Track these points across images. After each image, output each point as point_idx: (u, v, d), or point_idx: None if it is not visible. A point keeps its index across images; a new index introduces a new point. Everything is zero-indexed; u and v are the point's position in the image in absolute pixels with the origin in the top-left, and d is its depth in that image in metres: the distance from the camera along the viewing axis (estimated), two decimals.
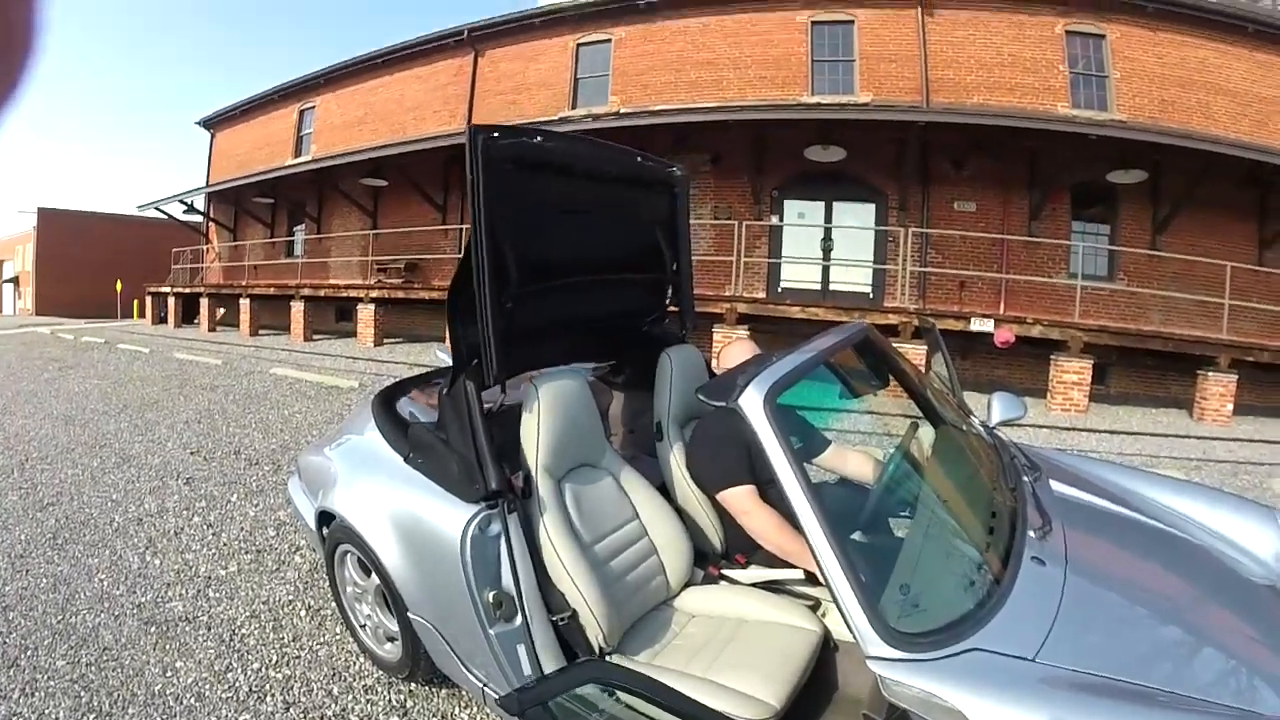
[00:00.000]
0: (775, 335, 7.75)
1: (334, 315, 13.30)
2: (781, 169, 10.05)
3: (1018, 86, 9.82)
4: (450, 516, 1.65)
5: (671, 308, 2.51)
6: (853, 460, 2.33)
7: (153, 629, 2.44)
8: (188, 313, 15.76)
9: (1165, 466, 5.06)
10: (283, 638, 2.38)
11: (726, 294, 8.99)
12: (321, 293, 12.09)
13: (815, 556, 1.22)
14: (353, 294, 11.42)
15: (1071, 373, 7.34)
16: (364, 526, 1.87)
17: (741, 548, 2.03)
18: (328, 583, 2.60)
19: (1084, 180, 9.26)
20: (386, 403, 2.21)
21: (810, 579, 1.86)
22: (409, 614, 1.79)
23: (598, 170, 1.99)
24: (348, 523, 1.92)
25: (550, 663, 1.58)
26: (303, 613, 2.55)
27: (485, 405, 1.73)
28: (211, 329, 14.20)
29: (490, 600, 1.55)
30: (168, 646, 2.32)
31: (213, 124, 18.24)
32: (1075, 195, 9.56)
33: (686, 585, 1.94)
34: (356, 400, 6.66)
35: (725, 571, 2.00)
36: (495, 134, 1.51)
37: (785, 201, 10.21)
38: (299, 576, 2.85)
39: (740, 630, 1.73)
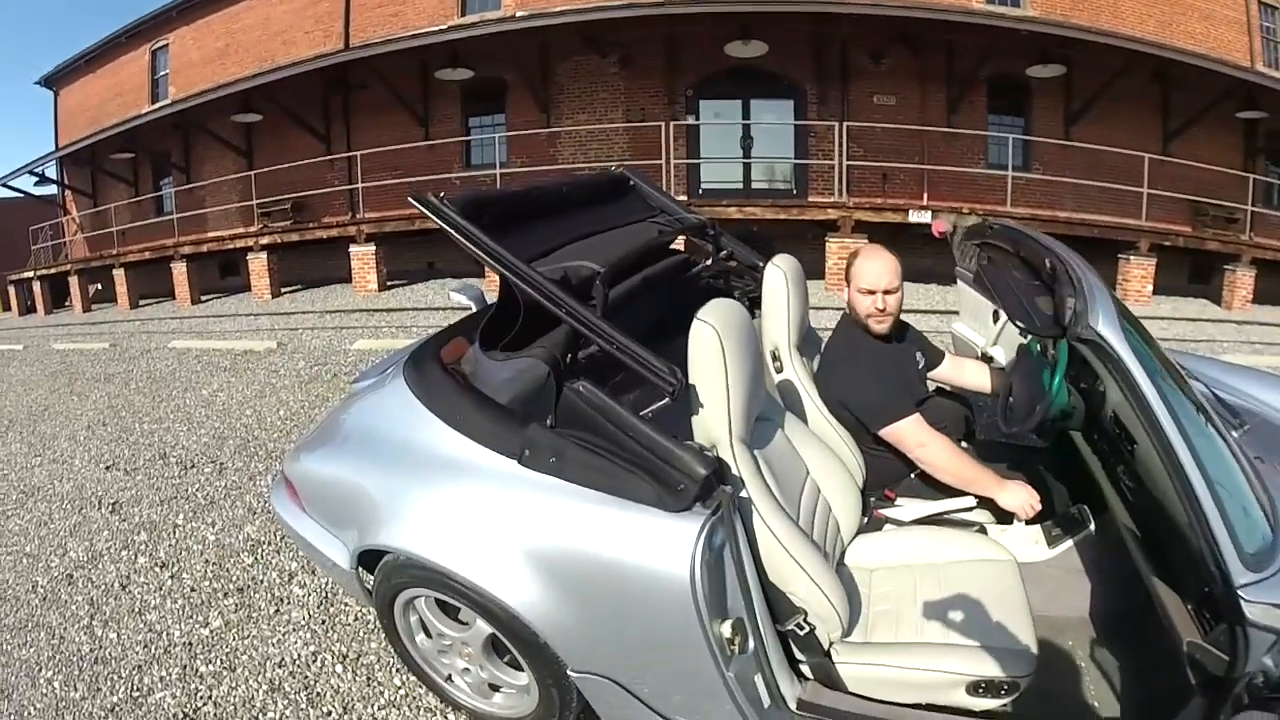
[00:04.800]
0: None
1: (218, 271, 12.02)
2: (696, 68, 9.62)
3: None
4: (652, 533, 1.17)
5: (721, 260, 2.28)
6: (970, 370, 2.13)
7: None
8: (57, 296, 13.90)
9: None
10: (328, 713, 1.74)
11: None
12: (204, 248, 10.82)
13: (1187, 488, 1.14)
14: (239, 244, 10.28)
15: None
16: (469, 567, 1.32)
17: (882, 481, 1.87)
18: (356, 623, 2.08)
19: (1000, 74, 9.38)
20: (449, 379, 1.50)
21: (984, 504, 1.71)
22: (571, 672, 1.33)
23: (557, 195, 1.89)
24: (431, 563, 1.36)
25: (786, 685, 1.29)
26: (338, 668, 1.91)
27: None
28: (86, 309, 12.61)
29: (727, 634, 1.18)
30: None
31: (55, 80, 15.80)
32: (991, 88, 9.71)
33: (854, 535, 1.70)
34: (281, 364, 5.65)
35: (884, 511, 1.80)
36: (442, 194, 1.40)
37: (701, 101, 9.80)
38: (308, 616, 2.15)
39: (939, 576, 1.54)
